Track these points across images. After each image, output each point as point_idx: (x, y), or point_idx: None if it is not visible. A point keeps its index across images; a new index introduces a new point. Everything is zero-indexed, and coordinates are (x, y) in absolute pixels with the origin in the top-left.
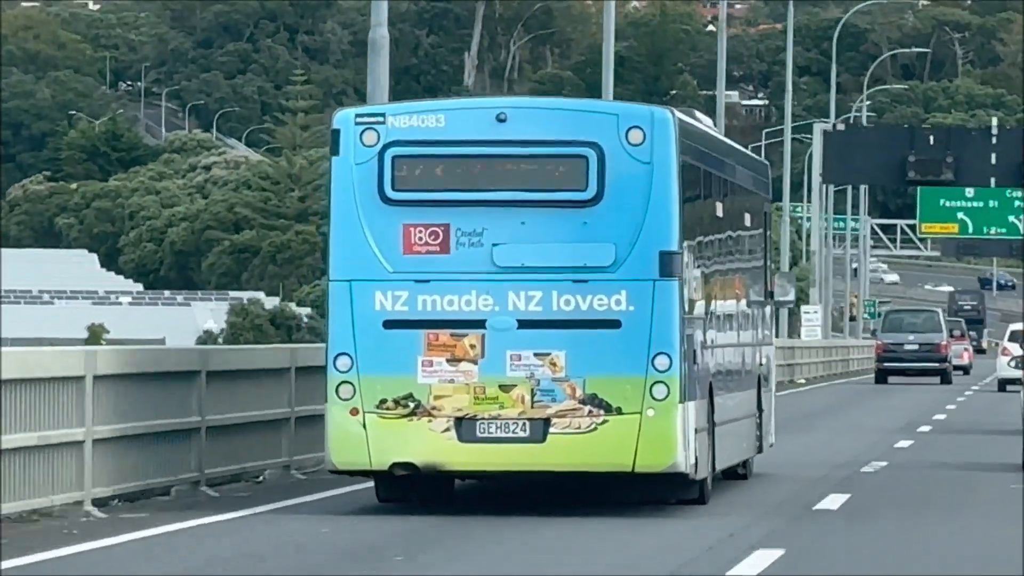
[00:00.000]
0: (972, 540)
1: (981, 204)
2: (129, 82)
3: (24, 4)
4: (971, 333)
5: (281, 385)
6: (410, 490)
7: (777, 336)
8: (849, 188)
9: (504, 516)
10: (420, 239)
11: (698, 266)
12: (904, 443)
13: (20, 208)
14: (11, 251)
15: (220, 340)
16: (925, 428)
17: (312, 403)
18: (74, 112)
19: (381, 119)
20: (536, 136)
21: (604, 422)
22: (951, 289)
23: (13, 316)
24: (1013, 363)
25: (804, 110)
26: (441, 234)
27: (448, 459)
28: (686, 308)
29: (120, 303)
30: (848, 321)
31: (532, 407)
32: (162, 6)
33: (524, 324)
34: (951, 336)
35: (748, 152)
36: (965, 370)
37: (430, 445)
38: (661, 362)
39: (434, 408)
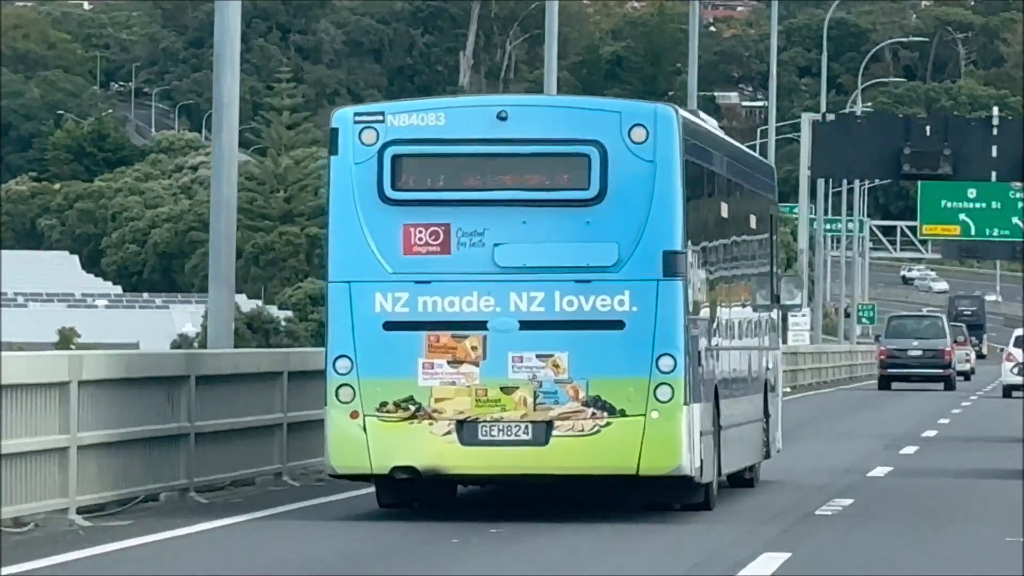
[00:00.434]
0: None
1: (983, 205)
2: (120, 82)
3: (17, 3)
4: (972, 338)
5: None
6: (411, 495)
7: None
8: (845, 189)
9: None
10: (420, 239)
11: (702, 266)
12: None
13: (1, 209)
14: None
15: (195, 344)
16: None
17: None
18: (62, 112)
19: (380, 118)
20: (537, 134)
21: (608, 424)
22: (995, 298)
23: None
24: (1015, 369)
25: (804, 111)
26: (441, 234)
27: (450, 462)
28: (690, 309)
29: (96, 306)
30: (842, 326)
31: (534, 409)
32: (153, 5)
33: (526, 325)
34: (954, 342)
35: (754, 153)
36: (967, 376)
37: (431, 448)
38: (665, 363)
39: (435, 411)
